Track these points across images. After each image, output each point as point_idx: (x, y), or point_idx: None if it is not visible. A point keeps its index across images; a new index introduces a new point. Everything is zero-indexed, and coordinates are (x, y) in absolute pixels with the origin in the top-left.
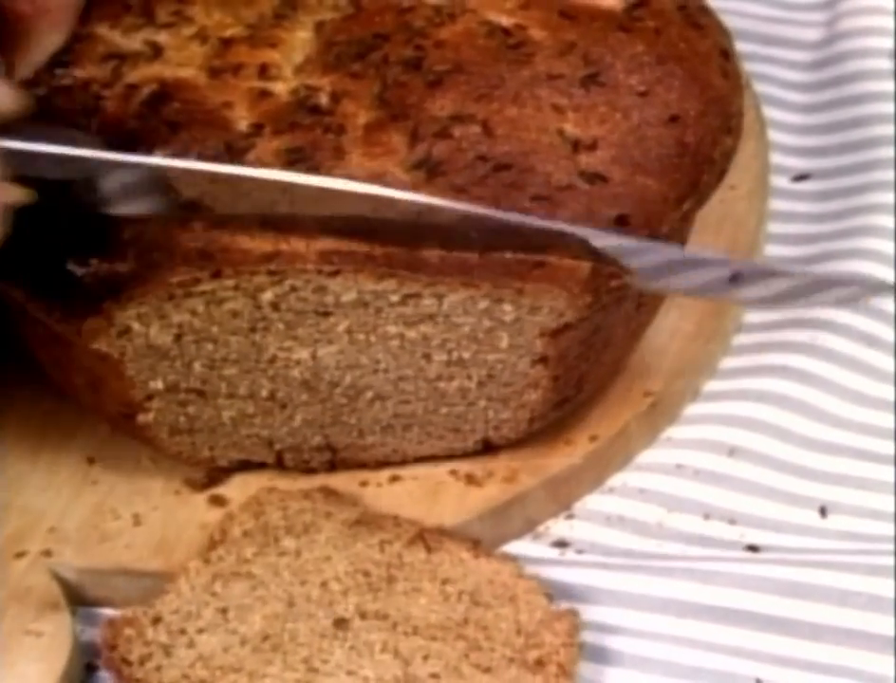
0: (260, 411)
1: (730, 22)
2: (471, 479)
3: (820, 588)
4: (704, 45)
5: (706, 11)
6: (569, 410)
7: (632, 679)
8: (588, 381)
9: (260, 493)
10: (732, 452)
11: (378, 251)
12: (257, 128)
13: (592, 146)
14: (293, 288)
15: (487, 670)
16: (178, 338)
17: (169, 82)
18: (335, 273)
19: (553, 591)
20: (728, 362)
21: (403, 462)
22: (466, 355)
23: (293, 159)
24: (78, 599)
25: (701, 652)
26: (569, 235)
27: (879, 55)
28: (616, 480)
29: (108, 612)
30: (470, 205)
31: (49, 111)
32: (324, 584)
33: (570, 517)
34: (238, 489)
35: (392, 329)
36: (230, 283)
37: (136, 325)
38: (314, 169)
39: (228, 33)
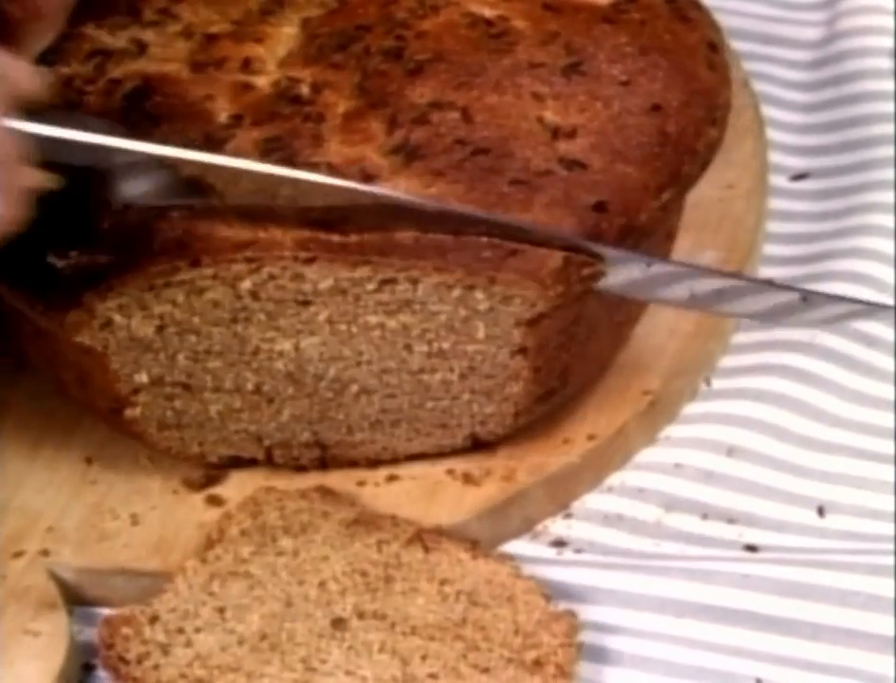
0: (247, 405)
1: (729, 21)
2: (468, 479)
3: (819, 588)
4: (691, 37)
5: (697, 6)
6: (557, 403)
7: (631, 679)
8: (574, 374)
9: (257, 493)
10: (731, 451)
11: (352, 239)
12: (237, 119)
13: (572, 134)
14: (271, 276)
15: (485, 670)
16: (161, 329)
17: (152, 76)
18: (311, 260)
19: (552, 591)
20: (727, 361)
21: (395, 460)
22: (446, 345)
23: (271, 148)
24: (76, 598)
25: (701, 651)
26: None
27: (878, 54)
28: (615, 479)
29: (106, 611)
30: (439, 202)
31: None
32: (321, 584)
33: (569, 516)
34: (236, 488)
35: (372, 319)
36: (208, 271)
37: (117, 317)
38: (291, 157)
39: (213, 29)
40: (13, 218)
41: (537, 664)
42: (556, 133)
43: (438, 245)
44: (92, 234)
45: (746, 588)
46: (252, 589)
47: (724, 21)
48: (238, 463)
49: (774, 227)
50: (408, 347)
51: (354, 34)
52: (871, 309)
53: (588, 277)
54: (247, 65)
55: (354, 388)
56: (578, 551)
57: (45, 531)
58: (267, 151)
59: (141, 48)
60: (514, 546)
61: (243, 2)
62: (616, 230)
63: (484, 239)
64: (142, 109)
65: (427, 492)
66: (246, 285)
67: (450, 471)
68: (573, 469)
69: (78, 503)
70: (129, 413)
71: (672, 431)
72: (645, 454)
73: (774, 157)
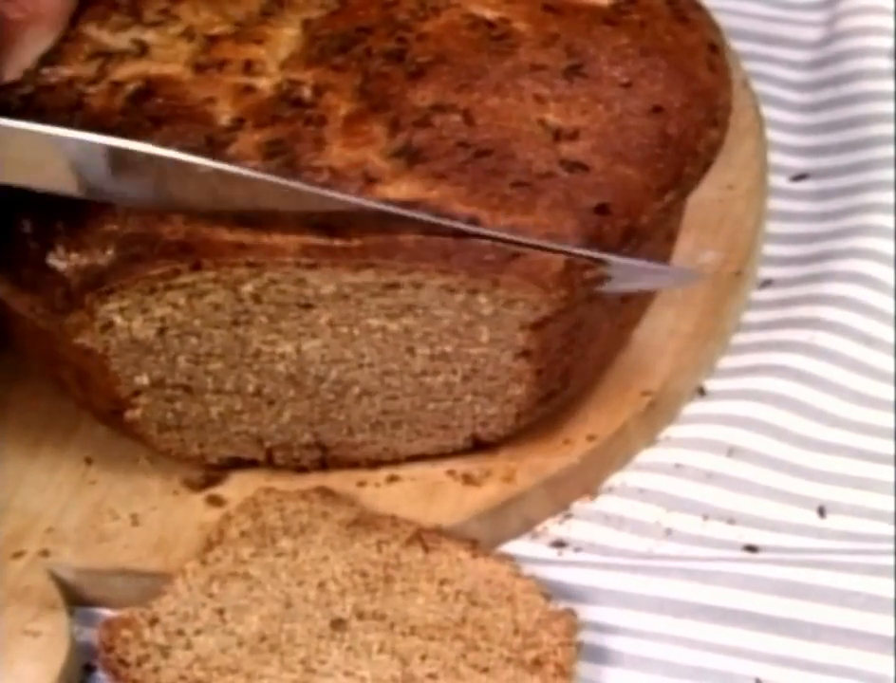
0: (248, 407)
1: (729, 21)
2: (469, 479)
3: (819, 588)
4: (692, 38)
5: (697, 7)
6: (557, 405)
7: (631, 679)
8: (575, 376)
9: (257, 494)
10: (731, 451)
11: (355, 243)
12: (239, 122)
13: (573, 136)
14: (273, 281)
15: (485, 670)
16: (161, 332)
17: (153, 78)
18: (313, 266)
19: (551, 591)
20: (727, 362)
21: (396, 461)
22: (448, 348)
23: (273, 152)
24: (76, 599)
25: (700, 652)
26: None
27: (878, 54)
28: (615, 480)
29: (106, 612)
30: (433, 215)
31: (34, 109)
32: (321, 585)
33: (569, 517)
34: (236, 489)
35: (374, 322)
36: (210, 275)
37: (118, 319)
38: (293, 161)
39: (215, 31)
40: None
41: (537, 664)
42: (558, 135)
43: (440, 247)
44: (94, 236)
45: (746, 588)
46: (251, 590)
47: (724, 21)
48: (239, 464)
49: (773, 227)
50: (411, 350)
51: (355, 36)
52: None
53: (591, 281)
54: (248, 67)
55: (356, 390)
56: (578, 551)
57: (45, 532)
58: (269, 154)
59: (143, 49)
60: (514, 547)
61: (244, 3)
62: (618, 233)
63: (487, 242)
64: (144, 111)
65: (427, 493)
66: (247, 288)
67: (450, 472)
68: (573, 469)
69: (78, 503)
70: (129, 414)
71: (672, 431)
72: (645, 455)
73: (774, 158)
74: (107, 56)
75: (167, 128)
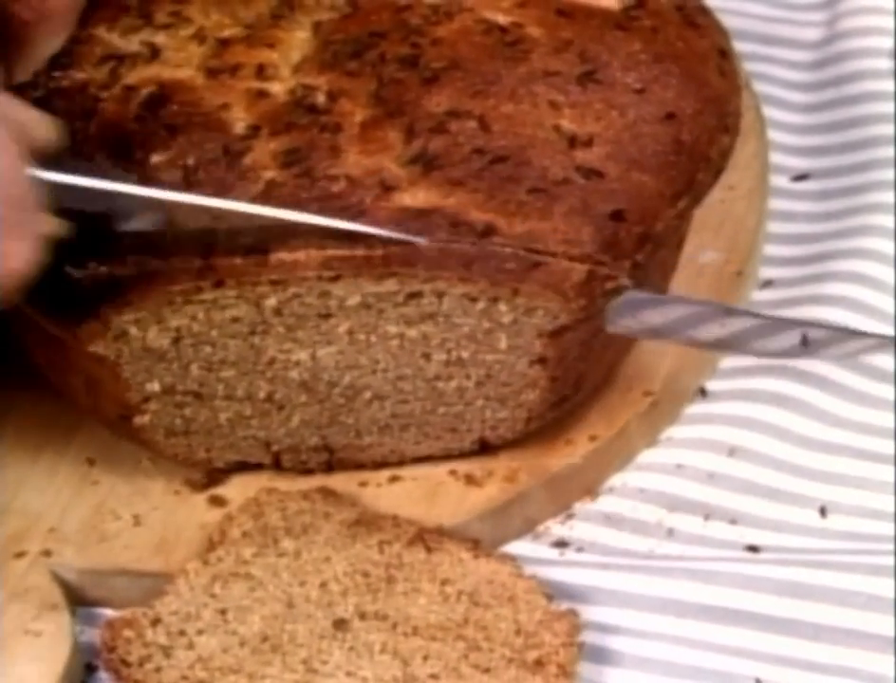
0: (257, 412)
1: (730, 22)
2: (470, 479)
3: (820, 588)
4: (702, 44)
5: (704, 11)
6: (567, 409)
7: (632, 679)
8: (587, 381)
9: (259, 494)
10: (732, 452)
11: (377, 252)
12: (254, 130)
13: (588, 142)
14: (296, 295)
15: (486, 670)
16: (176, 341)
17: (167, 83)
18: (336, 278)
19: (553, 591)
20: (728, 362)
21: (401, 462)
22: (465, 354)
23: (290, 161)
24: (78, 599)
25: (701, 652)
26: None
27: (879, 55)
28: (616, 480)
29: (108, 612)
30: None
31: (48, 113)
32: (323, 585)
33: (570, 517)
34: (238, 489)
35: (392, 329)
36: (232, 292)
37: (133, 330)
38: (310, 170)
39: (225, 34)
40: (31, 264)
41: (539, 664)
42: (573, 141)
43: (462, 256)
44: (111, 246)
45: (747, 589)
46: (253, 590)
47: (725, 22)
48: (244, 467)
49: (775, 227)
50: (426, 356)
51: (369, 41)
52: (875, 343)
53: (610, 291)
54: (261, 72)
55: (367, 394)
56: (579, 551)
57: (46, 532)
58: (285, 164)
59: (154, 53)
60: (516, 547)
61: (253, 5)
62: (634, 239)
63: (508, 250)
64: (159, 118)
65: (429, 493)
66: (271, 302)
67: (452, 472)
68: (575, 470)
69: (79, 503)
70: (138, 420)
71: (673, 432)
72: (647, 455)
73: (775, 158)
74: (119, 59)
75: (182, 137)
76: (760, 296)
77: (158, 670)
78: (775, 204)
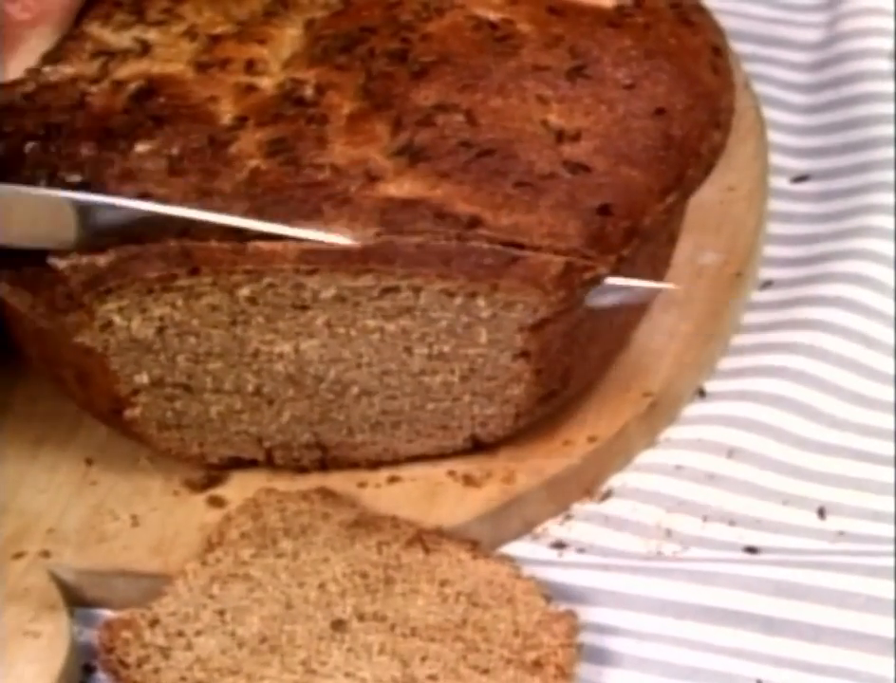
0: (248, 406)
1: (730, 23)
2: (469, 480)
3: (819, 589)
4: (695, 41)
5: (700, 10)
6: (557, 405)
7: (631, 680)
8: (575, 376)
9: (258, 495)
10: (731, 453)
11: (355, 247)
12: (241, 121)
13: (576, 137)
14: (271, 285)
15: (485, 671)
16: (161, 331)
17: (156, 77)
18: (312, 272)
19: (552, 592)
20: (727, 363)
21: (396, 461)
22: (446, 349)
23: (276, 150)
24: (76, 599)
25: (700, 653)
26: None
27: (879, 56)
28: (615, 481)
29: (106, 613)
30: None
31: (37, 108)
32: (322, 586)
33: (569, 518)
34: (237, 489)
35: (371, 323)
36: (207, 280)
37: (117, 319)
38: (296, 159)
39: (217, 30)
40: None
41: (537, 665)
42: (561, 136)
43: (440, 252)
44: (93, 236)
45: (746, 590)
46: (252, 591)
47: (725, 22)
48: (239, 464)
49: (774, 228)
50: (408, 350)
51: (359, 36)
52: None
53: (589, 281)
54: (250, 67)
55: (355, 389)
56: (578, 552)
57: (45, 532)
58: (270, 153)
59: (145, 48)
60: (515, 548)
61: (247, 3)
62: (620, 234)
63: (486, 246)
64: (146, 110)
65: (428, 494)
66: (244, 292)
67: (451, 473)
68: (574, 470)
69: (78, 504)
70: (129, 413)
71: (672, 432)
72: (646, 456)
73: (775, 159)
74: (110, 55)
75: (169, 128)
76: (760, 297)
77: (156, 671)
78: (775, 205)
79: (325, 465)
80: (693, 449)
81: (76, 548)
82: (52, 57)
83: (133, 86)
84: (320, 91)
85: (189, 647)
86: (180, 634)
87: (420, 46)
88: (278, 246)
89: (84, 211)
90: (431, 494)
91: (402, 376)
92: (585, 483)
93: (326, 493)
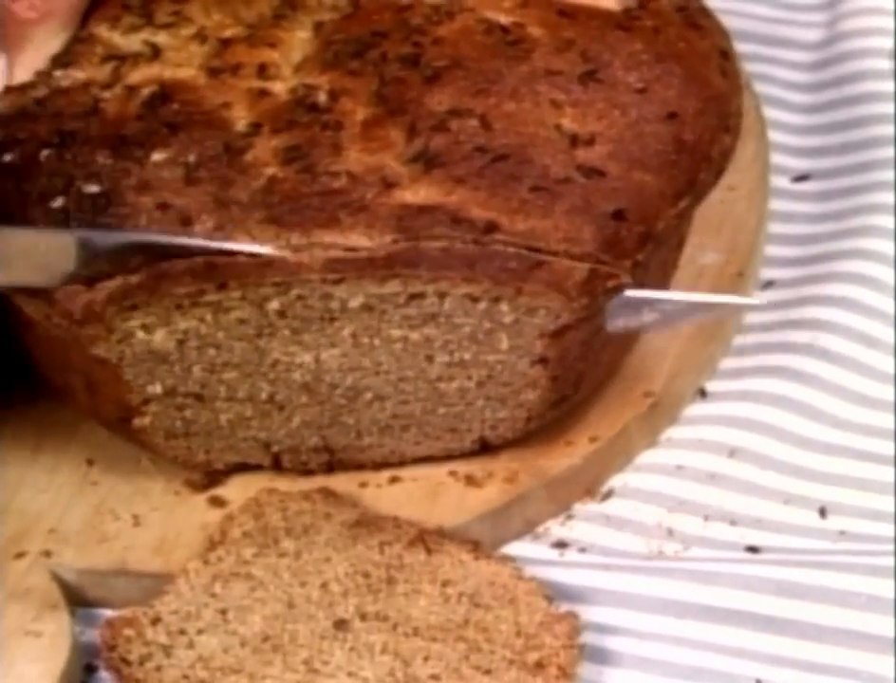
0: (258, 413)
1: (731, 23)
2: (471, 480)
3: (820, 589)
4: (703, 45)
5: (706, 13)
6: (566, 409)
7: (633, 680)
8: (586, 381)
9: (260, 495)
10: (732, 452)
11: (380, 253)
12: (256, 127)
13: (590, 141)
14: (300, 297)
15: (487, 671)
16: (181, 343)
17: (168, 82)
18: (339, 281)
19: (553, 592)
20: (728, 363)
21: (402, 463)
22: (467, 356)
23: (291, 157)
24: (77, 599)
25: (702, 652)
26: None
27: (879, 55)
28: (616, 481)
29: (108, 612)
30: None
31: (50, 113)
32: (324, 586)
33: (570, 518)
34: (238, 489)
35: (396, 333)
36: (236, 294)
37: (140, 333)
38: (311, 166)
39: (227, 33)
40: None
41: (539, 665)
42: (574, 140)
43: (465, 256)
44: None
45: (747, 589)
46: (254, 590)
47: (726, 22)
48: (243, 468)
49: (775, 228)
50: (429, 358)
51: (370, 41)
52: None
53: (612, 289)
54: (262, 71)
55: (368, 395)
56: (580, 552)
57: (46, 532)
58: (286, 160)
59: (156, 52)
60: (516, 548)
61: (255, 5)
62: (635, 238)
63: (510, 250)
64: (160, 117)
65: (429, 494)
66: (273, 305)
67: (452, 473)
68: (575, 470)
69: (79, 504)
70: (138, 422)
71: (674, 432)
72: (647, 456)
73: (776, 159)
74: (121, 59)
75: (184, 135)
76: (761, 297)
77: (158, 669)
78: (776, 205)
79: (331, 467)
80: (694, 449)
81: (77, 548)
82: (62, 60)
83: (146, 92)
84: (333, 97)
85: (191, 645)
86: (182, 632)
87: (431, 51)
88: (304, 256)
89: (86, 241)
90: (432, 494)
91: (419, 382)
92: (586, 483)
93: (328, 493)
